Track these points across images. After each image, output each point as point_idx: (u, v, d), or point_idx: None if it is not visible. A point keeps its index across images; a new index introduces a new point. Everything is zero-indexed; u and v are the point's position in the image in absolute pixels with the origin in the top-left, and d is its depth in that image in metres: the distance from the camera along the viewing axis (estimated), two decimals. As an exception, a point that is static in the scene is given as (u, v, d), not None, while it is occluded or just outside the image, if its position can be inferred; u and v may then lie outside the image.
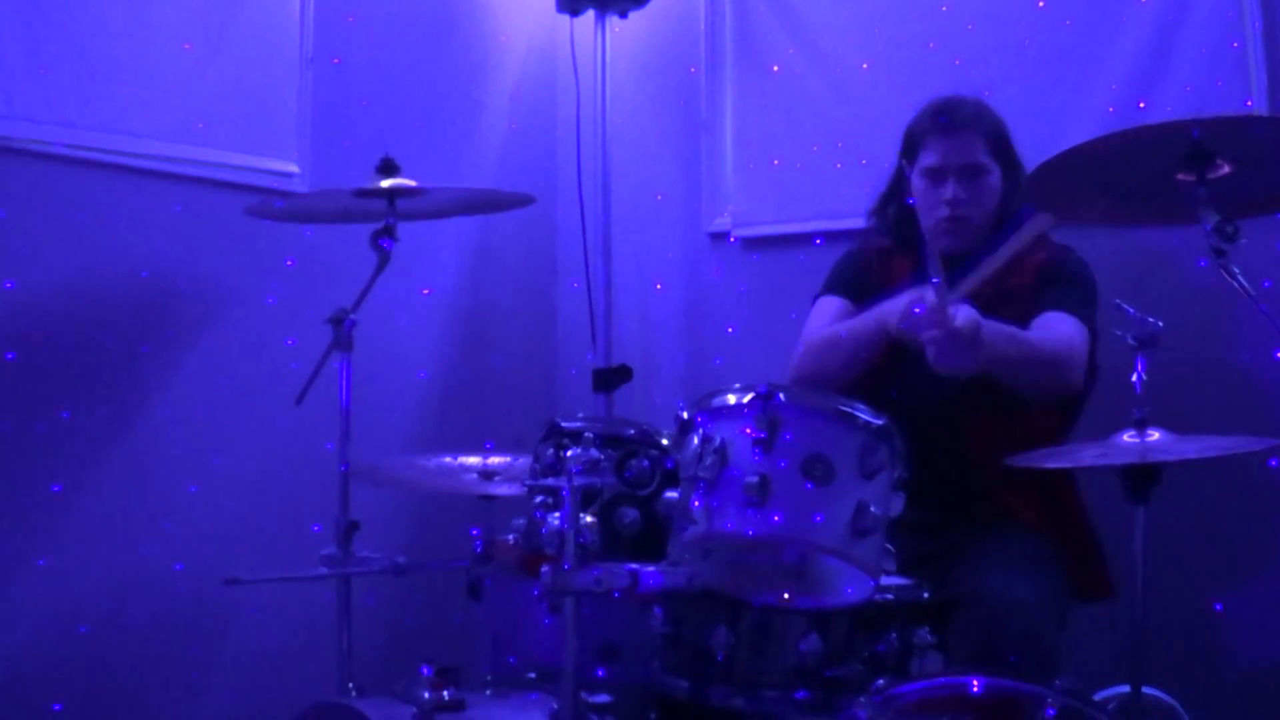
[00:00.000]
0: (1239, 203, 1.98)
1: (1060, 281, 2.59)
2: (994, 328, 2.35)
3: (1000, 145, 2.67)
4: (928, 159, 2.67)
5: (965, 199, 2.63)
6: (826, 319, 2.78)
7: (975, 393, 2.52)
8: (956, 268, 2.58)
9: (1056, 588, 2.46)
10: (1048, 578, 2.44)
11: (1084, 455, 2.19)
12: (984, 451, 2.44)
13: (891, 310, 2.49)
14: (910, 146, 2.72)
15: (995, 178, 2.65)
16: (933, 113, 2.70)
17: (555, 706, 2.09)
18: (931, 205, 2.66)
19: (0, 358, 2.68)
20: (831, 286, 2.84)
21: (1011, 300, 2.53)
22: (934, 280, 2.25)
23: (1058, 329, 2.52)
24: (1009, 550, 2.44)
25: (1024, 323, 2.52)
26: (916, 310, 2.32)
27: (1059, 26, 3.05)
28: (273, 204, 2.93)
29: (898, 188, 2.76)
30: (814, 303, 2.84)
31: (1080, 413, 2.60)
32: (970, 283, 2.31)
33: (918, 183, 2.68)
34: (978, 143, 2.64)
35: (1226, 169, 1.95)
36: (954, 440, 2.50)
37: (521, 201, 2.89)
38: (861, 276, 2.80)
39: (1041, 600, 2.34)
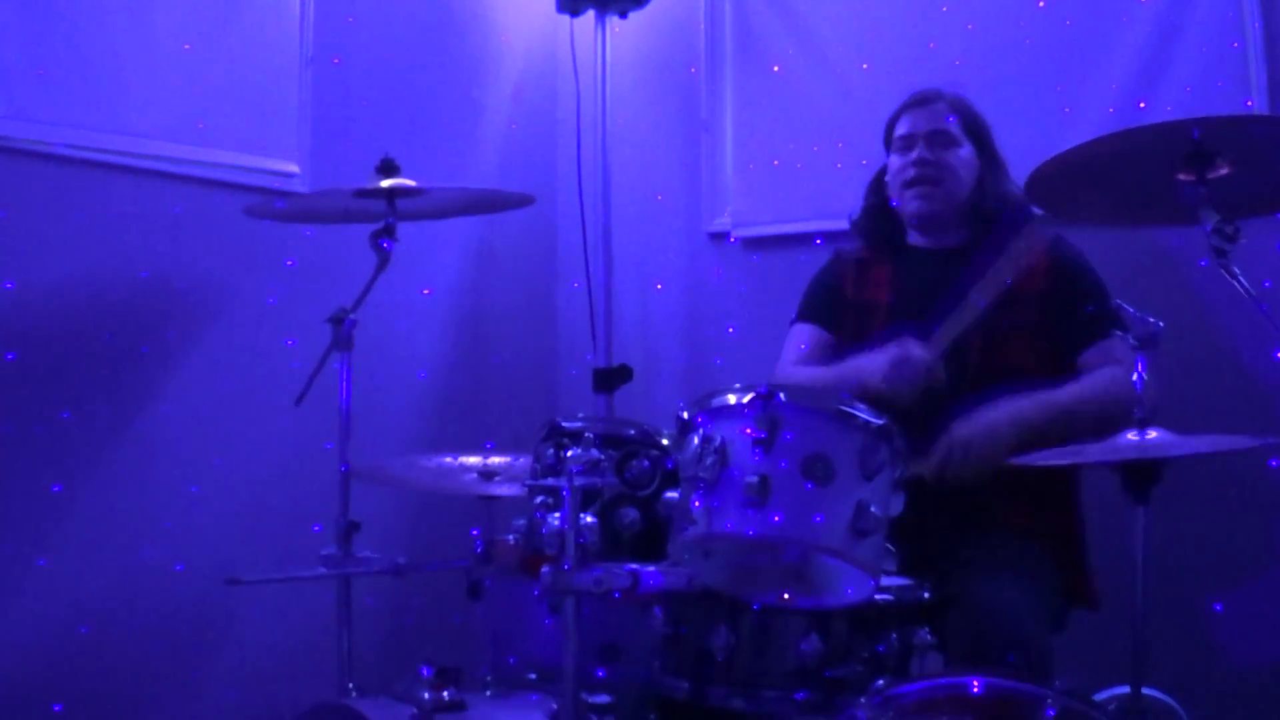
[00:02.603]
0: (1239, 203, 1.98)
1: (1079, 298, 2.55)
2: (1019, 412, 2.39)
3: (974, 127, 2.71)
4: (900, 130, 2.74)
5: (932, 160, 2.68)
6: (797, 353, 2.80)
7: (980, 378, 2.52)
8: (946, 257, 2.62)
9: (1049, 591, 2.46)
10: (1040, 582, 2.44)
11: (1084, 454, 2.19)
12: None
13: (872, 370, 2.49)
14: (888, 133, 2.79)
15: (967, 152, 2.69)
16: (908, 98, 2.77)
17: (555, 707, 2.09)
18: (900, 170, 2.72)
19: (0, 358, 2.68)
20: (804, 313, 2.85)
21: (1021, 306, 2.54)
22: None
23: (1102, 363, 2.51)
24: (1002, 554, 2.44)
25: (1036, 327, 2.53)
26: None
27: (1059, 26, 3.05)
28: (273, 204, 2.93)
29: (879, 185, 2.81)
30: (790, 327, 2.86)
31: None
32: (954, 328, 2.39)
33: (892, 159, 2.75)
34: (947, 114, 2.70)
35: (1226, 169, 1.95)
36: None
37: (521, 201, 2.89)
38: (835, 295, 2.81)
39: (1031, 605, 2.34)
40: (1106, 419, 2.28)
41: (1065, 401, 2.43)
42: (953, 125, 2.69)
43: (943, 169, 2.67)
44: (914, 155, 2.69)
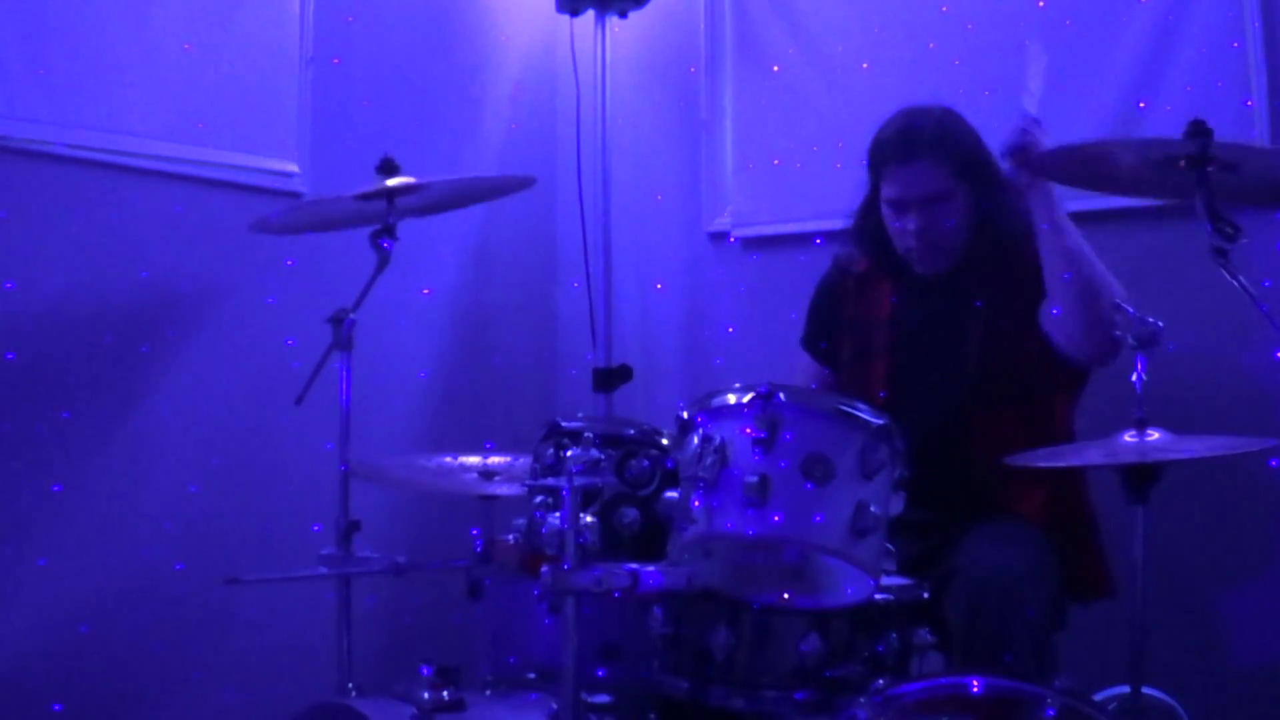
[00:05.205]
0: (1236, 194, 1.98)
1: None
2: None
3: (965, 162, 2.58)
4: (888, 191, 2.62)
5: (929, 228, 2.58)
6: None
7: (975, 392, 2.53)
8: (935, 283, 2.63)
9: (1048, 565, 2.46)
10: (1040, 554, 2.45)
11: (1084, 455, 2.19)
12: (985, 450, 2.45)
13: None
14: (873, 169, 2.68)
15: (960, 198, 2.58)
16: (891, 139, 2.62)
17: (555, 706, 2.08)
18: (898, 235, 2.64)
19: (0, 358, 2.68)
20: (805, 341, 2.88)
21: (1021, 303, 2.54)
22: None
23: None
24: (1000, 530, 2.46)
25: (1033, 325, 2.52)
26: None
27: (1059, 26, 3.05)
28: (271, 218, 2.85)
29: (874, 202, 2.71)
30: (799, 345, 2.89)
31: (1079, 399, 2.60)
32: None
33: (884, 208, 2.66)
34: (938, 169, 2.56)
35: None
36: (954, 441, 2.51)
37: (522, 184, 2.86)
38: (834, 317, 2.81)
39: (1031, 572, 2.36)
40: (1090, 294, 2.37)
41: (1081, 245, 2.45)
42: (943, 180, 2.56)
43: (941, 233, 2.59)
44: (910, 225, 2.58)
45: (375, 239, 2.59)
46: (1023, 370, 2.53)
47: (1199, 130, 1.96)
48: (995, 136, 2.69)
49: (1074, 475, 2.61)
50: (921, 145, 2.57)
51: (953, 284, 2.63)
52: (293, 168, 3.19)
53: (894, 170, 2.61)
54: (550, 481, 2.06)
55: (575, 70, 3.54)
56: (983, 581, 2.29)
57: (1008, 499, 2.53)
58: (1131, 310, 2.08)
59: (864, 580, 1.93)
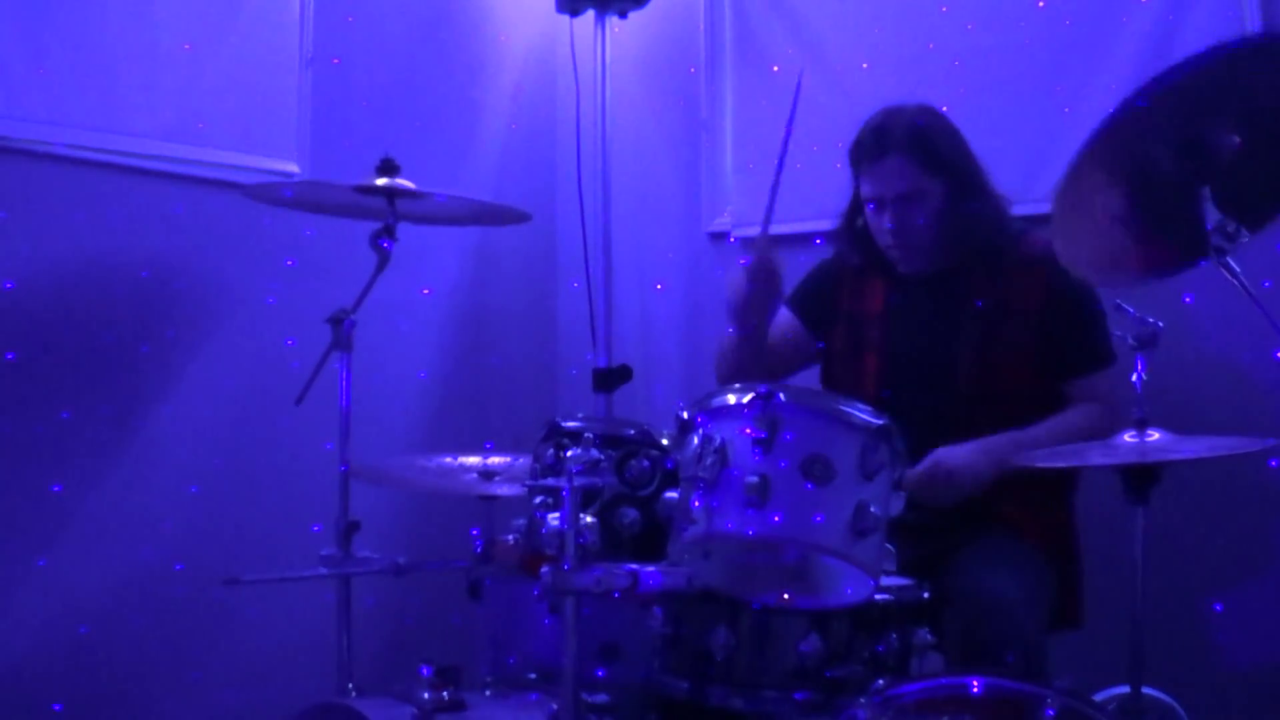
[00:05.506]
0: (1250, 194, 1.97)
1: (1073, 323, 2.55)
2: (998, 449, 2.42)
3: (939, 159, 2.59)
4: (865, 189, 2.66)
5: (904, 227, 2.61)
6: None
7: (967, 394, 2.53)
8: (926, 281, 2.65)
9: (1044, 589, 2.46)
10: (1036, 578, 2.44)
11: (1084, 455, 2.19)
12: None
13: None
14: (852, 167, 2.71)
15: (935, 196, 2.59)
16: (865, 138, 2.65)
17: (555, 707, 2.08)
18: (877, 232, 2.67)
19: (0, 358, 2.68)
20: (790, 297, 2.86)
21: (1016, 322, 2.54)
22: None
23: (1084, 398, 2.53)
24: (998, 551, 2.45)
25: (1028, 345, 2.54)
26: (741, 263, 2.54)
27: (1059, 26, 3.05)
28: (270, 191, 2.88)
29: (858, 202, 2.73)
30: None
31: None
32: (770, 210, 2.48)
33: (867, 208, 2.69)
34: (911, 167, 2.58)
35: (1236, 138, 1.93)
36: (947, 443, 2.50)
37: (519, 218, 2.87)
38: (829, 297, 2.82)
39: (1028, 599, 2.35)
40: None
41: (1040, 440, 2.43)
42: (916, 178, 2.57)
43: (916, 231, 2.61)
44: (887, 224, 2.62)
45: (375, 239, 2.59)
46: (1015, 373, 2.53)
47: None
48: (995, 137, 2.71)
49: (1066, 493, 2.61)
50: (893, 143, 2.60)
51: (944, 285, 2.64)
52: (293, 168, 3.19)
53: (868, 168, 2.65)
54: (550, 481, 2.06)
55: (575, 70, 3.54)
56: (981, 614, 2.28)
57: (1003, 508, 2.53)
58: (1131, 310, 2.08)
59: (864, 580, 1.93)
